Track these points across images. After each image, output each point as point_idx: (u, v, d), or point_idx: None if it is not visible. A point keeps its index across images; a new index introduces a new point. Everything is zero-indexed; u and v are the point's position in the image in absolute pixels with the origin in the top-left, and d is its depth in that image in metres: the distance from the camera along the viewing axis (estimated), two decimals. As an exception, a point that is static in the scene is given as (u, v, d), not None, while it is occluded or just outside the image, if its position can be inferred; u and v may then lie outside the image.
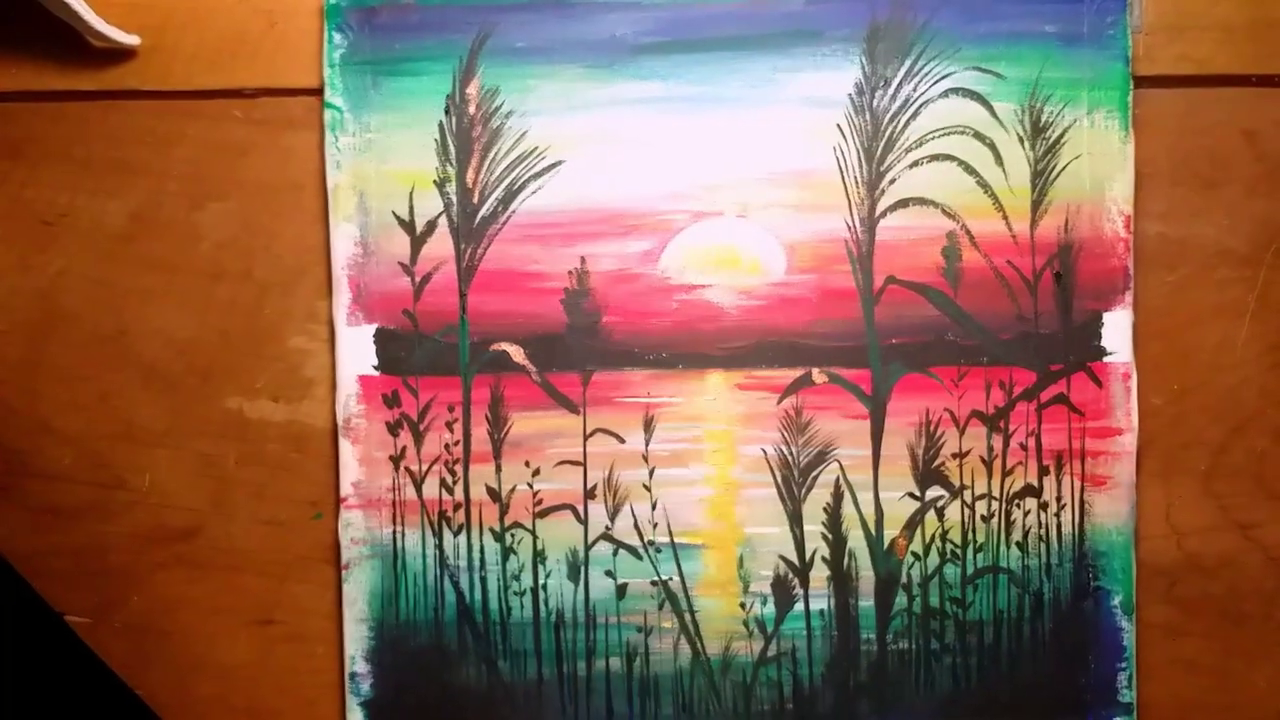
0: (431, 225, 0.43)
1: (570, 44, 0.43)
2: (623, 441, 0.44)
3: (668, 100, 0.43)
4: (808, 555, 0.43)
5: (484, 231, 0.43)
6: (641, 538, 0.44)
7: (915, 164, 0.43)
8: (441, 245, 0.43)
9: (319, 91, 0.43)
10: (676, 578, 0.44)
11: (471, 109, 0.43)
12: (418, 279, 0.43)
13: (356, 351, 0.43)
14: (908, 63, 0.43)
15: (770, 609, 0.44)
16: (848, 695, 0.43)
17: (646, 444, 0.44)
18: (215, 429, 0.44)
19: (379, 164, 0.43)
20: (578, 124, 0.43)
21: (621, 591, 0.44)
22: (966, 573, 0.44)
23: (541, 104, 0.43)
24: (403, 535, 0.44)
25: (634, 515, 0.44)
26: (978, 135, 0.43)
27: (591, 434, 0.44)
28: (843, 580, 0.44)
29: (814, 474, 0.43)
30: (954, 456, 0.43)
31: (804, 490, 0.43)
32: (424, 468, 0.44)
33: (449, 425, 0.44)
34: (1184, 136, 0.44)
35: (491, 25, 0.43)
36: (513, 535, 0.44)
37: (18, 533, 0.45)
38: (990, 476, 0.43)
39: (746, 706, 0.44)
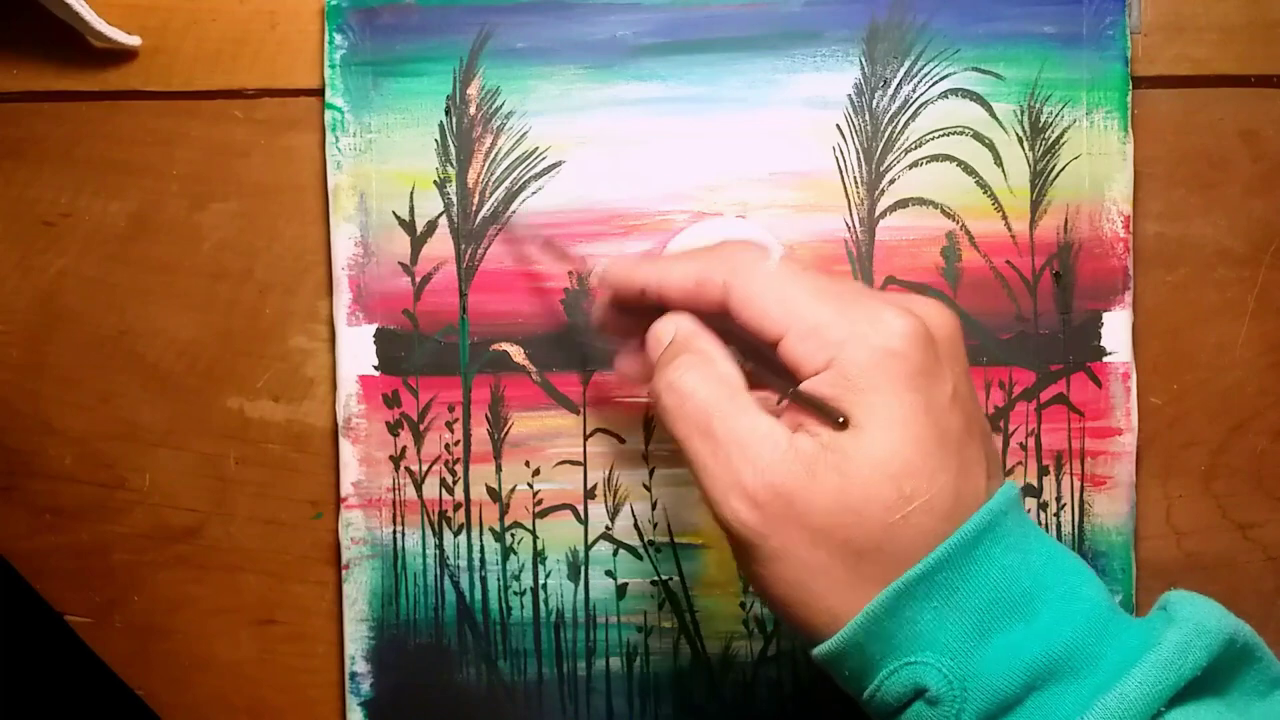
0: (432, 225, 0.43)
1: (570, 45, 0.43)
2: (623, 441, 0.44)
3: (668, 101, 0.43)
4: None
5: (484, 232, 0.43)
6: (641, 538, 0.44)
7: (915, 164, 0.43)
8: (442, 245, 0.43)
9: (320, 92, 0.43)
10: (676, 577, 0.44)
11: (472, 109, 0.43)
12: (418, 279, 0.43)
13: (357, 351, 0.43)
14: (907, 63, 0.43)
15: (770, 609, 0.44)
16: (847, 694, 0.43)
17: (646, 444, 0.44)
18: (216, 429, 0.44)
19: (379, 164, 0.43)
20: (578, 124, 0.43)
21: (621, 591, 0.44)
22: (966, 572, 0.43)
23: (542, 104, 0.43)
24: (403, 535, 0.44)
25: (634, 515, 0.44)
26: (977, 136, 0.43)
27: (591, 434, 0.44)
28: (842, 580, 0.44)
29: (814, 474, 0.43)
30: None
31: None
32: (424, 468, 0.44)
33: (449, 425, 0.44)
34: (1183, 137, 0.44)
35: (492, 26, 0.43)
36: (513, 535, 0.44)
37: (18, 533, 0.45)
38: (990, 476, 0.43)
39: (747, 706, 0.44)
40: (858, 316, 0.29)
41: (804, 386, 0.29)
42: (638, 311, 0.35)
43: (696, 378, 0.31)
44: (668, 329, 0.33)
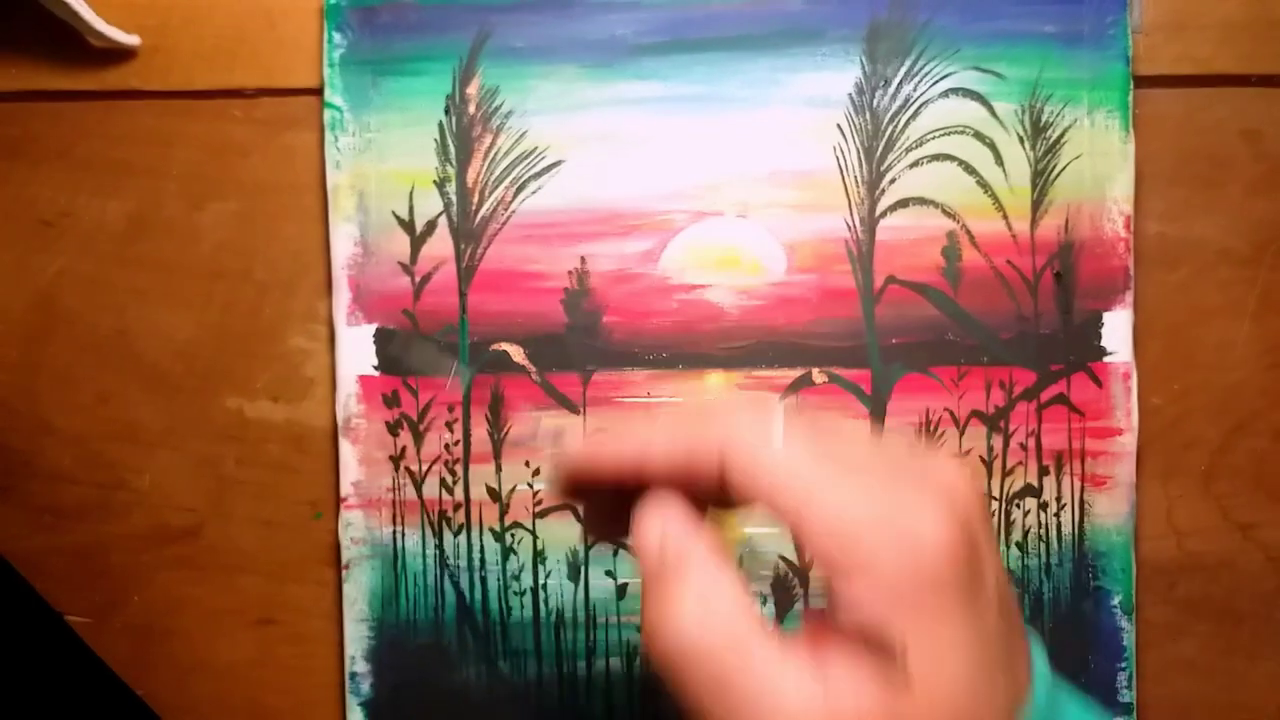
0: (431, 225, 0.43)
1: (570, 44, 0.43)
2: (623, 441, 0.44)
3: (668, 100, 0.43)
4: (808, 555, 0.43)
5: (484, 231, 0.43)
6: (641, 538, 0.44)
7: (915, 164, 0.43)
8: (441, 245, 0.43)
9: (319, 91, 0.43)
10: (676, 578, 0.44)
11: (471, 109, 0.43)
12: (417, 279, 0.43)
13: (356, 351, 0.43)
14: (908, 62, 0.43)
15: (770, 609, 0.44)
16: None
17: (646, 444, 0.44)
18: (215, 429, 0.44)
19: (379, 164, 0.43)
20: (578, 124, 0.43)
21: (622, 591, 0.44)
22: (966, 573, 0.43)
23: (541, 104, 0.43)
24: (403, 535, 0.44)
25: (634, 515, 0.44)
26: (978, 135, 0.43)
27: (592, 434, 0.44)
28: (843, 580, 0.43)
29: (814, 474, 0.43)
30: (954, 456, 0.43)
31: (804, 490, 0.43)
32: (424, 468, 0.44)
33: (449, 425, 0.44)
34: (1184, 136, 0.44)
35: (492, 25, 0.43)
36: (513, 535, 0.44)
37: (18, 533, 0.45)
38: (990, 476, 0.43)
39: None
40: (891, 522, 0.25)
41: (841, 617, 0.25)
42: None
43: (700, 616, 0.25)
44: (653, 533, 0.27)
